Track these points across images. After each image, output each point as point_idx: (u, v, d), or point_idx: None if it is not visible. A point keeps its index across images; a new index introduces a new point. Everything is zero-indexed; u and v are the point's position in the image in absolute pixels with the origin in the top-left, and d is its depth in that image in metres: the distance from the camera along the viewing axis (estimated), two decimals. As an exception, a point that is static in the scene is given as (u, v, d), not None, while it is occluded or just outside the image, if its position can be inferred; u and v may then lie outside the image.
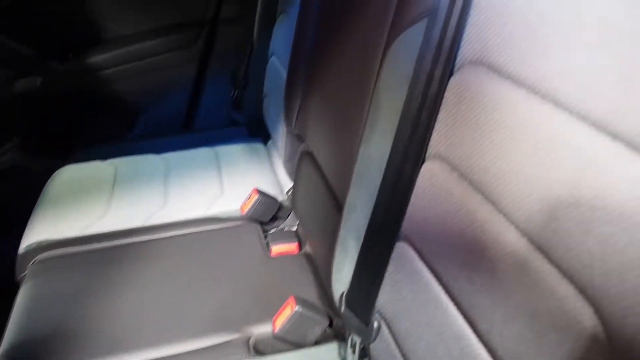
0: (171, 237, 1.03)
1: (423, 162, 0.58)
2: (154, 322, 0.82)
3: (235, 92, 1.55)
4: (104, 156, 1.30)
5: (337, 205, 0.77)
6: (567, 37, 0.42)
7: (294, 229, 1.07)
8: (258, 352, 0.76)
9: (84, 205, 1.10)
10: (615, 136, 0.37)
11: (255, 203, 1.06)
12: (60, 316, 0.84)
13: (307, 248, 1.00)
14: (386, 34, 0.65)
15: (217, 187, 1.17)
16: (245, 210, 1.07)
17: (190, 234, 1.03)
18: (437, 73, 0.56)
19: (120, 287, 0.90)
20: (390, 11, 0.65)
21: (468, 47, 0.54)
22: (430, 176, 0.57)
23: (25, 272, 0.96)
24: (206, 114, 1.67)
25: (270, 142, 1.39)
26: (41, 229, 1.04)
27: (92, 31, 1.50)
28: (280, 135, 1.17)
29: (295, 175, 1.04)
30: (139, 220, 1.06)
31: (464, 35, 0.55)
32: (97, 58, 1.51)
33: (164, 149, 1.34)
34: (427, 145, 0.58)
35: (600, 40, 0.39)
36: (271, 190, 1.12)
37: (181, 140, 1.43)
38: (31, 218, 1.09)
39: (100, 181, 1.18)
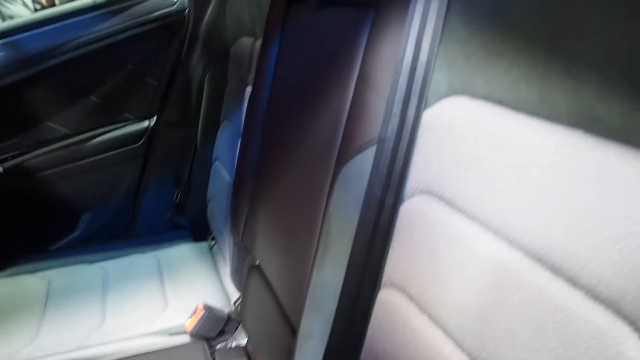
0: None
1: (379, 290, 0.58)
2: None
3: (179, 195, 1.52)
4: (36, 268, 1.22)
5: (290, 327, 0.74)
6: (517, 177, 0.44)
7: (243, 343, 1.02)
8: None
9: (11, 329, 1.01)
10: (574, 282, 0.38)
11: (201, 319, 1.01)
12: None
13: (258, 365, 0.95)
14: (335, 159, 0.66)
15: (161, 299, 1.11)
16: (191, 327, 1.01)
17: (131, 356, 0.96)
18: (388, 201, 0.57)
19: None
20: (338, 135, 0.66)
21: (418, 177, 0.55)
22: (387, 306, 0.56)
23: None
24: (149, 217, 1.62)
25: (215, 247, 1.35)
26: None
27: (33, 131, 1.46)
28: (227, 243, 1.15)
29: (243, 288, 1.01)
30: (73, 343, 0.98)
31: (413, 165, 0.56)
32: (37, 159, 1.46)
33: (103, 256, 1.28)
34: (382, 273, 0.57)
35: (549, 184, 0.41)
36: (217, 302, 1.08)
37: (122, 245, 1.37)
38: None
39: (30, 299, 1.10)
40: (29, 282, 1.17)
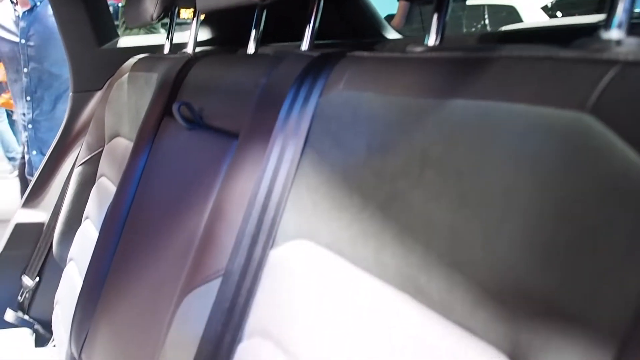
0: None
1: None
2: None
3: (25, 293, 1.38)
4: None
5: None
6: (345, 331, 0.44)
7: None
8: None
9: None
10: None
11: None
12: None
13: None
14: (180, 285, 0.64)
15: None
16: None
17: None
18: (227, 338, 0.55)
19: None
20: (187, 262, 0.64)
21: (258, 314, 0.54)
22: None
23: None
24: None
25: (55, 356, 1.22)
26: None
27: None
28: (65, 355, 1.04)
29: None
30: None
31: (255, 303, 0.55)
32: None
33: None
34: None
35: (372, 345, 0.41)
36: None
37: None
38: None
39: None
40: None
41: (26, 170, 1.95)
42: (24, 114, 1.85)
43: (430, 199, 0.40)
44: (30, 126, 1.84)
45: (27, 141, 1.86)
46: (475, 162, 0.37)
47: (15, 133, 3.26)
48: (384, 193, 0.45)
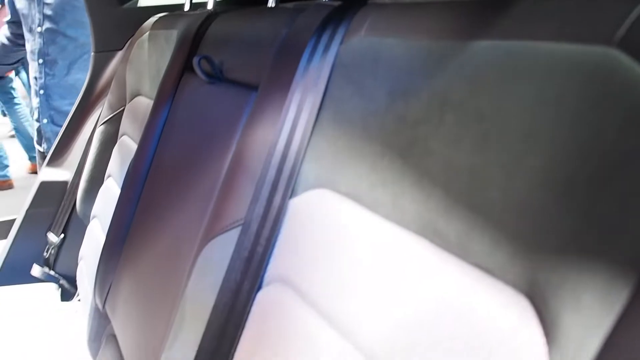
0: None
1: (225, 379, 0.55)
2: None
3: (50, 249, 1.42)
4: None
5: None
6: (363, 277, 0.44)
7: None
8: None
9: None
10: None
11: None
12: None
13: None
14: (200, 235, 0.65)
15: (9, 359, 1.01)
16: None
17: None
18: (246, 285, 0.56)
19: None
20: (207, 211, 0.65)
21: (277, 263, 0.55)
22: (231, 397, 0.54)
23: None
24: (14, 268, 1.49)
25: (80, 310, 1.26)
26: None
27: None
28: (90, 307, 1.07)
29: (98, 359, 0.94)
30: None
31: (275, 252, 0.56)
32: None
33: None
34: (231, 360, 0.55)
35: (392, 290, 0.42)
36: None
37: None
38: None
39: None
40: None
41: (35, 139, 1.87)
42: (35, 78, 1.76)
43: (450, 143, 0.40)
44: (42, 92, 1.75)
45: (39, 108, 1.76)
46: (497, 104, 0.37)
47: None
48: (404, 139, 0.45)
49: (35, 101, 1.76)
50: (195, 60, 0.78)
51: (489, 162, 0.37)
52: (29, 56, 1.75)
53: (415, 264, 0.41)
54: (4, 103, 3.45)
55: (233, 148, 0.65)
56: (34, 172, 3.03)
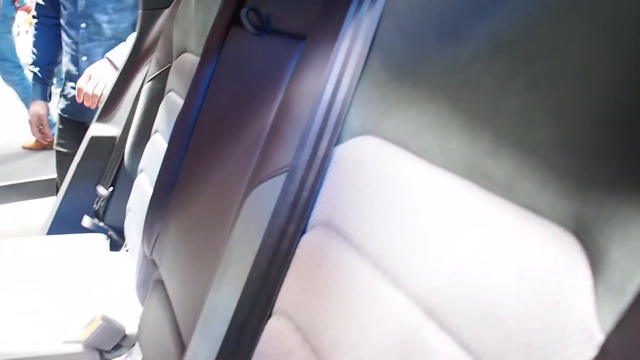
0: None
1: (270, 317, 0.57)
2: None
3: (99, 202, 1.48)
4: None
5: (181, 346, 0.72)
6: (410, 221, 0.45)
7: (137, 360, 0.99)
8: None
9: None
10: (443, 327, 0.39)
11: (96, 330, 0.97)
12: None
13: (147, 385, 0.92)
14: (247, 181, 0.66)
15: (61, 304, 1.06)
16: (85, 336, 0.98)
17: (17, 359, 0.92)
18: (291, 229, 0.57)
19: None
20: (253, 159, 0.67)
21: (322, 208, 0.56)
22: (275, 334, 0.56)
23: None
24: (66, 219, 1.56)
25: (128, 259, 1.31)
26: None
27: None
28: (137, 256, 1.12)
29: (145, 304, 0.98)
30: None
31: (320, 197, 0.57)
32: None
33: (10, 249, 1.23)
34: (275, 301, 0.57)
35: (436, 231, 0.42)
36: (119, 315, 1.04)
37: (31, 242, 1.32)
38: None
39: None
40: None
41: (60, 106, 1.77)
42: (76, 44, 1.65)
43: (500, 85, 0.40)
44: (84, 58, 1.64)
45: (77, 75, 1.63)
46: (549, 44, 0.36)
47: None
48: (453, 83, 0.44)
49: (74, 69, 1.69)
50: (242, 12, 0.78)
51: (539, 101, 0.36)
52: (64, 24, 1.67)
53: (461, 206, 0.41)
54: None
55: (280, 98, 0.66)
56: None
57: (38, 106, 1.81)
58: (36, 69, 1.78)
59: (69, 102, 1.73)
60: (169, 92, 1.27)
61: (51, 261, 1.23)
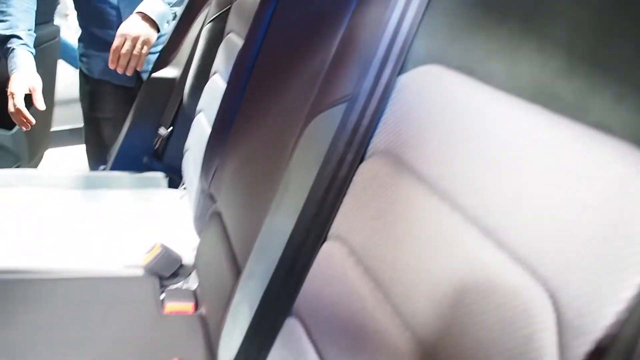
0: (64, 279, 0.97)
1: (324, 241, 0.59)
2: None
3: (159, 141, 1.52)
4: (6, 182, 1.23)
5: (236, 270, 0.75)
6: (472, 145, 0.45)
7: (193, 288, 1.04)
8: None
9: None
10: (501, 245, 0.39)
11: (156, 257, 1.02)
12: None
13: (203, 310, 0.96)
14: (306, 111, 0.67)
15: (123, 233, 1.12)
16: (146, 262, 1.03)
17: (84, 278, 0.98)
18: (349, 157, 0.58)
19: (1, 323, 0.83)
20: (314, 89, 0.67)
21: (381, 136, 0.57)
22: (329, 256, 0.58)
23: None
24: (126, 157, 1.62)
25: (185, 196, 1.36)
26: None
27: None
28: (195, 192, 1.16)
29: (202, 235, 1.02)
30: (34, 257, 1.00)
31: (380, 125, 0.57)
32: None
33: (76, 183, 1.30)
34: (330, 225, 0.59)
35: (498, 155, 0.42)
36: (177, 247, 1.09)
37: (95, 178, 1.38)
38: None
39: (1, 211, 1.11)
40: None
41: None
42: None
43: (577, 3, 0.39)
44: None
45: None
46: None
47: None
48: (527, 3, 0.43)
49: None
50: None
51: (619, 17, 0.35)
52: None
53: (527, 128, 0.41)
54: None
55: (343, 28, 0.66)
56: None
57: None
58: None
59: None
60: (228, 33, 1.28)
61: (113, 195, 1.29)
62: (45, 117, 1.65)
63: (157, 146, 1.52)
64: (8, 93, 1.32)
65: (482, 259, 0.40)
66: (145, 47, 1.37)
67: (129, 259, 1.05)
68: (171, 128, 1.49)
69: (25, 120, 1.32)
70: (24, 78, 1.34)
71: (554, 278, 0.34)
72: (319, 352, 0.56)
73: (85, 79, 1.64)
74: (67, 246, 1.05)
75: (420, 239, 0.46)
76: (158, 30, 1.40)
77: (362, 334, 0.50)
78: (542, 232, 0.36)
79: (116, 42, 1.35)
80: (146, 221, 1.19)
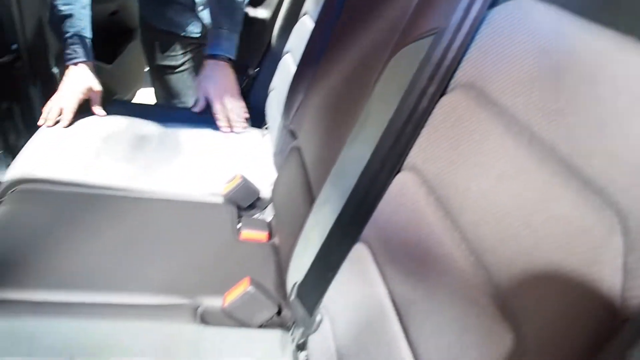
0: (150, 199, 1.04)
1: (399, 171, 0.60)
2: (110, 270, 0.83)
3: (245, 82, 1.57)
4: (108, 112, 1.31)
5: (310, 199, 0.78)
6: (555, 77, 0.44)
7: (269, 220, 1.09)
8: (203, 321, 0.77)
9: (76, 151, 1.12)
10: (575, 175, 0.39)
11: (236, 187, 1.08)
12: (22, 244, 0.85)
13: (276, 240, 1.01)
14: (392, 45, 0.67)
15: (206, 165, 1.18)
16: (226, 190, 1.09)
17: (168, 200, 1.05)
18: (431, 90, 0.58)
19: (88, 232, 0.91)
20: (402, 23, 0.67)
21: (465, 70, 0.56)
22: (402, 186, 0.59)
23: (3, 199, 0.98)
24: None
25: (267, 134, 1.41)
26: (29, 162, 1.06)
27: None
28: (277, 128, 1.19)
29: (280, 169, 1.06)
30: (123, 177, 1.07)
31: (465, 60, 0.57)
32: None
33: (165, 117, 1.36)
34: (406, 156, 0.60)
35: (582, 84, 0.41)
36: (256, 180, 1.14)
37: (183, 114, 1.45)
38: (24, 149, 1.11)
39: (96, 133, 1.20)
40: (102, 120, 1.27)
41: None
42: None
43: None
44: None
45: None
46: None
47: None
48: None
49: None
50: None
51: None
52: None
53: (622, 59, 0.40)
54: None
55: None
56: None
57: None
58: None
59: None
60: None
61: (200, 131, 1.34)
62: (139, 57, 1.72)
63: (244, 85, 1.56)
64: (59, 95, 1.20)
65: (555, 190, 0.40)
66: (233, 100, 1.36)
67: (211, 187, 1.11)
68: (258, 68, 1.53)
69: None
70: (81, 81, 1.22)
71: (624, 201, 0.34)
72: (384, 275, 0.58)
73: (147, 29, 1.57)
74: (155, 171, 1.13)
75: (495, 169, 0.47)
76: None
77: (427, 259, 0.51)
78: (619, 162, 0.36)
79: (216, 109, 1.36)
80: (229, 155, 1.25)
